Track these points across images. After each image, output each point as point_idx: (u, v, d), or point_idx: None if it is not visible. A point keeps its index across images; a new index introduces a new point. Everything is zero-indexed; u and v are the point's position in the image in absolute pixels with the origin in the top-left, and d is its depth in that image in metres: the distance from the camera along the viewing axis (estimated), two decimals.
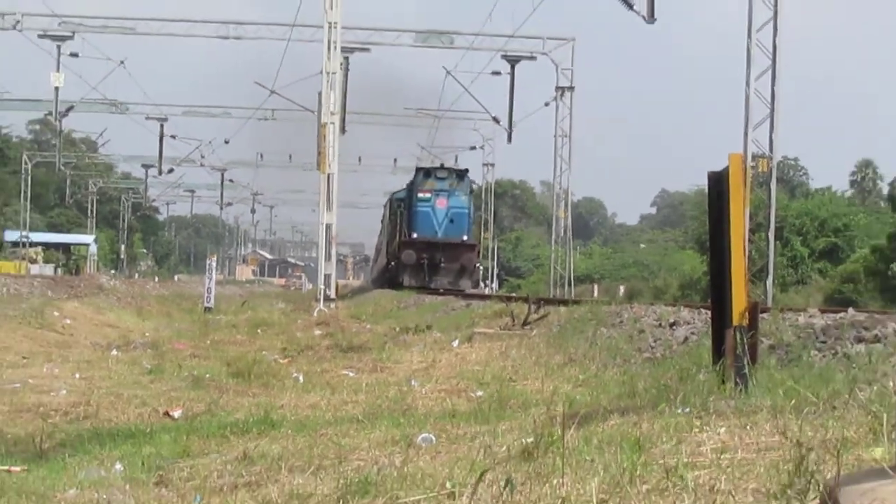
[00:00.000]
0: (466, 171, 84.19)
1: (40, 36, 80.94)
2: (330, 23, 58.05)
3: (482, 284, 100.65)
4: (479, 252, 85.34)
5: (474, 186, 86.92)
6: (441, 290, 69.80)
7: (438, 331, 36.29)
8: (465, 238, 79.18)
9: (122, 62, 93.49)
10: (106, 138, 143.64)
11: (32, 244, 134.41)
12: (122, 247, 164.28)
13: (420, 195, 79.32)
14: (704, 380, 15.90)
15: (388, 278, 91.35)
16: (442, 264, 76.78)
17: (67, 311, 47.86)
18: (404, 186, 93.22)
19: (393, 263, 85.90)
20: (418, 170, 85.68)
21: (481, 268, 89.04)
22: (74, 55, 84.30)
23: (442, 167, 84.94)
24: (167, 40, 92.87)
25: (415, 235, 78.30)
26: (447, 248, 78.01)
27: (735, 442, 11.10)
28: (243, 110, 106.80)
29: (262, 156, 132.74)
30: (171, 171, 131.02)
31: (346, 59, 67.47)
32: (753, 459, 9.68)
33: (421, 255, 77.13)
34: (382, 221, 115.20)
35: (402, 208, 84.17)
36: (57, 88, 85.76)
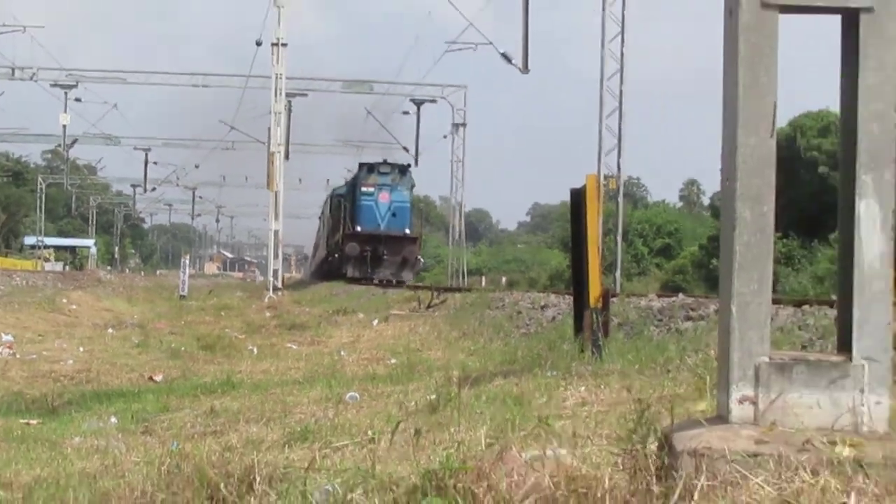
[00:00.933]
0: (409, 166, 76.32)
1: (52, 85, 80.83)
2: (276, 74, 58.18)
3: None
4: (420, 244, 76.34)
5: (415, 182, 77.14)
6: (378, 282, 62.72)
7: (362, 313, 36.34)
8: (407, 231, 71.38)
9: (114, 105, 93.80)
10: (103, 164, 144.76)
11: (46, 247, 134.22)
12: (116, 248, 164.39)
13: (364, 189, 71.14)
14: (568, 349, 15.93)
15: (328, 270, 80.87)
16: (385, 256, 68.83)
17: (73, 299, 47.71)
18: (343, 183, 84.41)
19: (336, 255, 75.53)
20: (361, 165, 75.99)
21: (422, 260, 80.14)
22: (78, 100, 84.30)
23: (385, 163, 75.68)
24: (150, 87, 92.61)
25: (358, 228, 69.74)
26: (390, 240, 69.36)
27: (592, 398, 11.11)
28: (210, 142, 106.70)
29: (224, 177, 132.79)
30: (153, 189, 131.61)
31: (290, 102, 66.98)
32: (606, 411, 9.69)
33: (364, 247, 68.13)
34: (321, 218, 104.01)
35: (346, 202, 74.12)
36: (64, 126, 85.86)
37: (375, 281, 62.53)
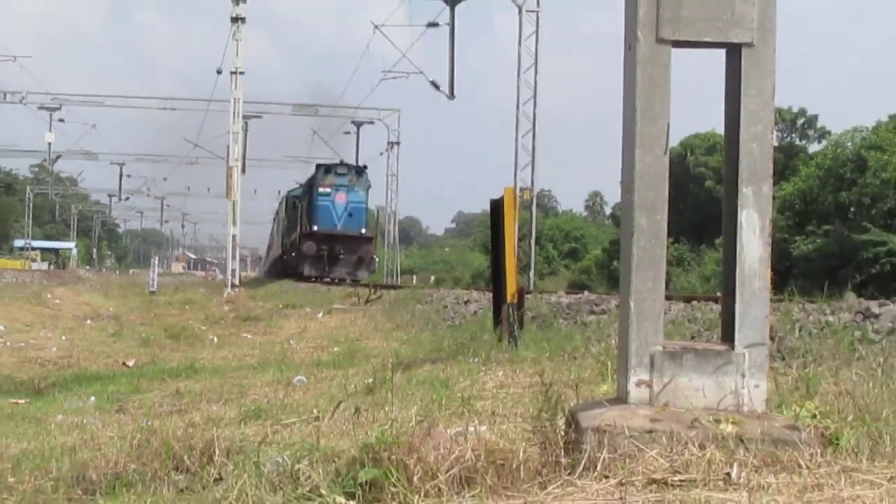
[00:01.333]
0: (365, 167, 69.76)
1: (39, 108, 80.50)
2: (234, 99, 57.89)
3: None
4: (375, 244, 69.56)
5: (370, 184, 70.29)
6: (331, 280, 58.19)
7: (308, 307, 36.17)
8: (363, 231, 64.53)
9: (93, 125, 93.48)
10: (83, 177, 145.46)
11: (33, 249, 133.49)
12: (94, 250, 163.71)
13: (321, 190, 64.40)
14: (488, 339, 15.88)
15: (283, 269, 76.03)
16: (341, 255, 62.69)
17: (57, 294, 47.58)
18: (298, 185, 79.23)
19: (292, 254, 69.62)
20: (318, 166, 68.87)
21: (377, 259, 71.69)
22: (62, 120, 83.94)
23: (342, 163, 69.70)
24: (125, 109, 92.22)
25: (315, 228, 63.23)
26: (346, 240, 63.02)
27: (509, 381, 11.09)
28: (176, 157, 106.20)
29: (189, 188, 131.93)
30: (127, 198, 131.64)
31: (246, 122, 66.02)
32: (521, 393, 9.68)
33: (321, 246, 62.32)
34: (275, 219, 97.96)
35: (302, 203, 68.34)
36: (49, 143, 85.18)
37: (329, 279, 58.50)
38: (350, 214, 64.03)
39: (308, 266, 62.20)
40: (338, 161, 71.71)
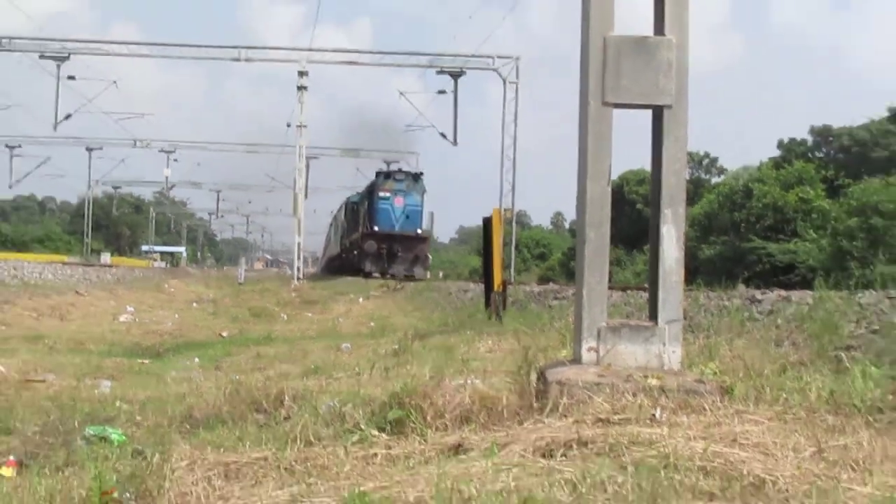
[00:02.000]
0: (421, 174, 59.21)
1: (159, 151, 79.72)
2: (299, 145, 57.68)
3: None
4: (430, 244, 60.24)
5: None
6: (393, 276, 48.52)
7: (352, 294, 36.13)
8: (418, 231, 55.22)
9: (198, 164, 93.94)
10: (190, 200, 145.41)
11: (154, 252, 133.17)
12: (198, 253, 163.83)
13: (381, 194, 55.08)
14: (480, 318, 15.90)
15: (340, 266, 68.20)
16: (399, 254, 53.78)
17: (171, 284, 47.48)
18: (357, 193, 68.47)
19: (354, 253, 60.29)
20: (378, 173, 59.48)
21: (430, 257, 61.15)
22: (175, 160, 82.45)
23: (399, 171, 59.86)
24: (221, 151, 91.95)
25: (376, 228, 54.31)
26: (403, 239, 54.03)
27: (496, 347, 11.08)
28: (258, 186, 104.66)
29: (267, 208, 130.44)
30: (222, 216, 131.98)
31: (308, 161, 64.78)
32: (505, 356, 9.67)
33: (381, 245, 53.69)
34: (332, 224, 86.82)
35: (363, 206, 58.78)
36: (166, 176, 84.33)
37: (390, 276, 49.95)
38: (407, 216, 55.35)
39: (369, 263, 54.19)
40: (396, 168, 62.75)
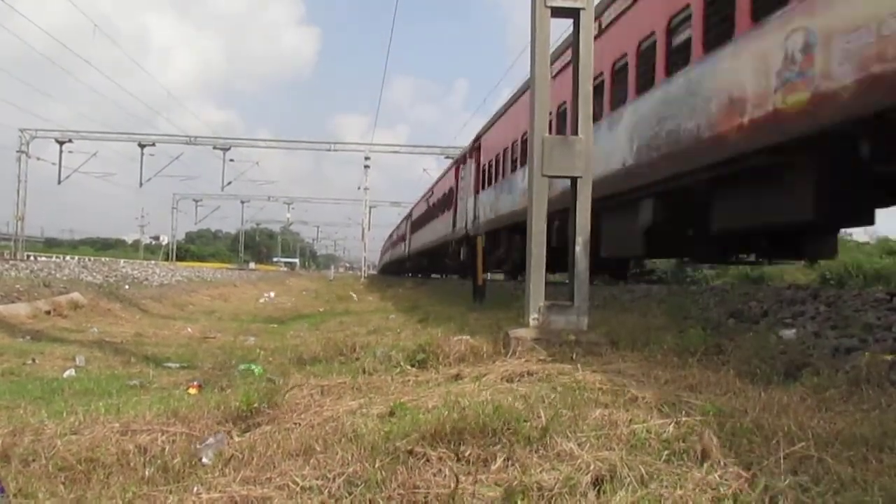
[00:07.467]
0: None
1: (281, 200, 79.40)
2: (366, 200, 57.63)
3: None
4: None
5: None
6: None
7: (398, 287, 35.86)
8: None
9: (306, 210, 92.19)
10: (299, 231, 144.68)
11: (281, 261, 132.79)
12: (306, 262, 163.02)
13: None
14: (471, 302, 15.82)
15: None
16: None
17: (290, 282, 47.47)
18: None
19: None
20: None
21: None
22: (293, 209, 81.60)
23: None
24: (320, 201, 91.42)
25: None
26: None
27: (480, 319, 10.98)
28: (344, 223, 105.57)
29: (346, 237, 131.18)
30: (319, 240, 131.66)
31: (370, 209, 63.91)
32: (488, 324, 9.60)
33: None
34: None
35: None
36: (287, 217, 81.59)
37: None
38: None
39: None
40: None
